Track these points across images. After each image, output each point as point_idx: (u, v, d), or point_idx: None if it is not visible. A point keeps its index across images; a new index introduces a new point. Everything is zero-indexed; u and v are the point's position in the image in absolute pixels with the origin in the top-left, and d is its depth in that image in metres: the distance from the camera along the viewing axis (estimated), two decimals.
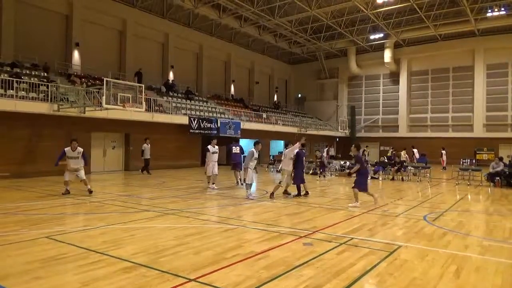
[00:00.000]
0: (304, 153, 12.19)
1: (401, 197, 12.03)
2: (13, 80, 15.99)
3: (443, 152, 27.68)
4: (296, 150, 11.26)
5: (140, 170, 19.00)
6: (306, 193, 11.63)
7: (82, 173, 11.41)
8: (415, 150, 25.69)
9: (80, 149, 11.31)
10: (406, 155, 23.22)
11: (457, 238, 6.62)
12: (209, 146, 13.60)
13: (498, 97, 33.41)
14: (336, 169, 21.14)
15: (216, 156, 13.49)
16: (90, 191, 11.22)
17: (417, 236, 6.65)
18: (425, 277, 4.55)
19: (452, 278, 4.55)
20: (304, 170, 12.24)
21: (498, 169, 15.96)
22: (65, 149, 11.23)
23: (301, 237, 6.43)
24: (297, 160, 11.42)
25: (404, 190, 14.29)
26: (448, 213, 9.22)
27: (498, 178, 15.65)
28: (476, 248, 5.96)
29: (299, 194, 11.46)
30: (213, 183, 13.28)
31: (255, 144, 11.57)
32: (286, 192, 11.57)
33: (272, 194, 11.08)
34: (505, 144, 32.10)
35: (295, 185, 11.57)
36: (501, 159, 16.88)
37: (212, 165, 13.24)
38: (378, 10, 29.11)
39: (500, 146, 32.24)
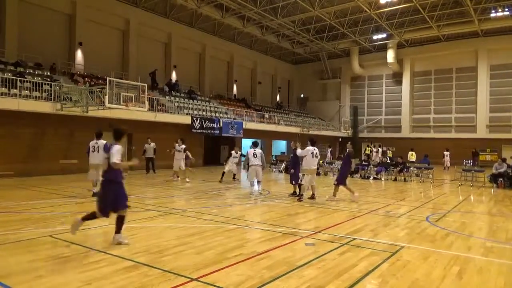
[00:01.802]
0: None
1: (403, 198, 12.00)
2: (16, 79, 16.06)
3: (446, 153, 27.59)
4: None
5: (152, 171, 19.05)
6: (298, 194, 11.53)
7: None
8: (379, 149, 26.74)
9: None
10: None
11: (460, 239, 6.60)
12: (176, 144, 15.67)
13: (501, 98, 33.28)
14: (338, 170, 21.05)
15: (179, 154, 15.41)
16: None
17: (420, 237, 6.64)
18: (428, 278, 4.54)
19: (454, 279, 4.53)
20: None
21: (501, 170, 15.90)
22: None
23: (303, 237, 6.43)
24: (296, 160, 11.45)
25: (406, 191, 14.26)
26: (450, 214, 9.19)
27: (501, 179, 15.59)
28: (479, 250, 5.94)
29: (300, 194, 11.45)
30: (179, 177, 15.31)
31: (257, 145, 12.29)
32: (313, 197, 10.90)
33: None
34: (508, 145, 31.94)
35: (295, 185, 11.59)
36: (504, 160, 16.81)
37: (177, 161, 15.33)
38: (381, 11, 29.04)
39: (503, 147, 32.11)
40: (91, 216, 5.78)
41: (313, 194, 10.80)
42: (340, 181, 10.99)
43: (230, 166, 16.04)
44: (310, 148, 10.61)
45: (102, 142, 10.89)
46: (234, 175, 16.63)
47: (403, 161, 19.37)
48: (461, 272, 4.79)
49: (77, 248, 5.46)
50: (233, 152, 16.38)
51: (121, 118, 18.92)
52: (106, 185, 5.70)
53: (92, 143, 10.89)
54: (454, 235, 6.84)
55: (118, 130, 5.89)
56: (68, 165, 17.66)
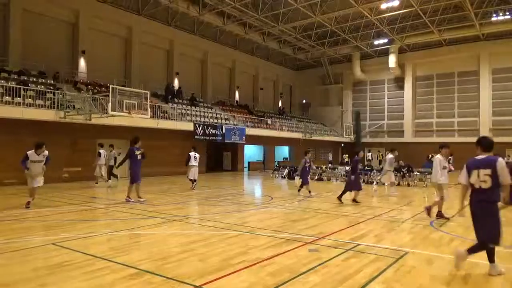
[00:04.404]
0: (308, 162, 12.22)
1: (407, 203, 11.93)
2: (20, 88, 16.17)
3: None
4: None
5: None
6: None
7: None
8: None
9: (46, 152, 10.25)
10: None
11: (464, 244, 6.53)
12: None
13: (504, 102, 33.20)
14: (341, 175, 21.04)
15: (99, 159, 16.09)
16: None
17: (424, 242, 6.59)
18: (433, 283, 4.50)
19: (460, 284, 4.49)
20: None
21: None
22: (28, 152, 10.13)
23: (306, 243, 6.40)
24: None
25: (410, 195, 14.18)
26: (455, 218, 9.12)
27: None
28: (484, 254, 5.87)
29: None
30: (97, 183, 16.25)
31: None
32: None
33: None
34: None
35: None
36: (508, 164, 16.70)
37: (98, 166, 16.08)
38: (382, 16, 29.14)
39: (507, 151, 31.92)
40: (478, 249, 5.01)
41: None
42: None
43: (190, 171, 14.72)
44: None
45: (46, 152, 10.17)
46: (195, 181, 14.96)
47: (407, 165, 19.28)
48: (466, 277, 4.75)
49: (80, 256, 5.45)
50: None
51: (124, 126, 19.01)
52: (491, 208, 4.93)
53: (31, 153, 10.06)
54: (459, 240, 6.79)
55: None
56: (71, 172, 17.71)
